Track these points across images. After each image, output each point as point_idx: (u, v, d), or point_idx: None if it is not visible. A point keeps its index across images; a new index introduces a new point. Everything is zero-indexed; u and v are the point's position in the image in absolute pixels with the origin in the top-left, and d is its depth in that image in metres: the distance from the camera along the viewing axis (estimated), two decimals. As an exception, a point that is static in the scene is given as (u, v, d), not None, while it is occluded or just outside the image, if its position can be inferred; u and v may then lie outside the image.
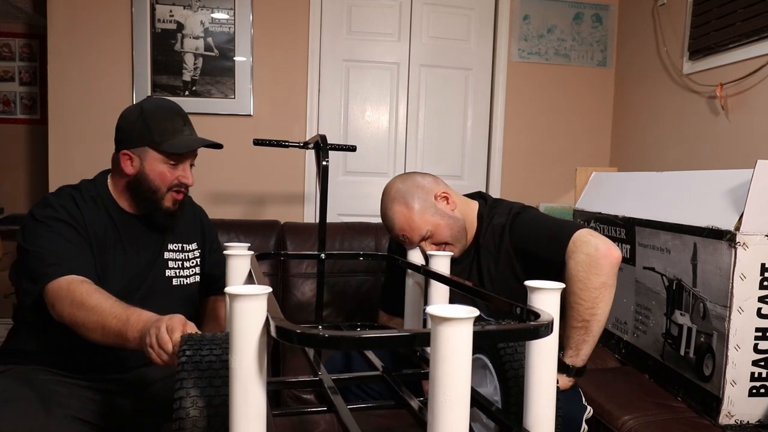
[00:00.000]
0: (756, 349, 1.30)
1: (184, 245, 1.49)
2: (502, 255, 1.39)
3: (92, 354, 1.23)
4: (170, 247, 1.46)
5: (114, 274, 1.33)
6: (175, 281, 1.45)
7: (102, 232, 1.33)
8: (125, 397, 1.33)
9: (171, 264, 1.45)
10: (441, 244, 1.38)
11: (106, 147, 2.60)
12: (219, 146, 1.44)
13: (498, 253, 1.40)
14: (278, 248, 2.14)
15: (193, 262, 1.50)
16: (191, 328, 0.99)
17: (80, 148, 2.51)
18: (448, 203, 1.41)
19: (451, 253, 1.16)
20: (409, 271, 1.25)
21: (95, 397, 1.30)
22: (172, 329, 0.96)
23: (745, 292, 1.28)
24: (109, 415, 1.30)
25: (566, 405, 1.25)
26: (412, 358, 1.38)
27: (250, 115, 2.66)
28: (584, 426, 1.28)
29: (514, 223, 1.38)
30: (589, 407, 1.31)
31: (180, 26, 2.57)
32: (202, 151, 1.43)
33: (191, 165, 1.41)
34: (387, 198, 1.40)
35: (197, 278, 1.51)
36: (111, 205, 1.37)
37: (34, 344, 1.30)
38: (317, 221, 1.47)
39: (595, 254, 1.19)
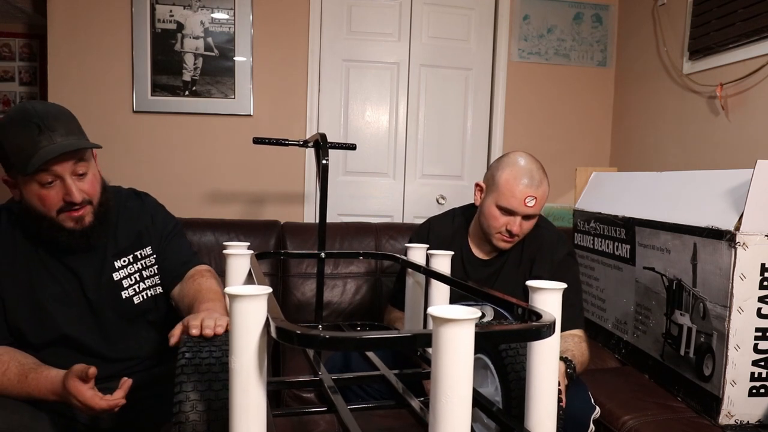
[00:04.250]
0: (756, 349, 1.30)
1: (137, 253, 1.29)
2: (546, 263, 1.52)
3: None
4: (118, 264, 1.26)
5: (55, 313, 1.20)
6: (137, 299, 1.27)
7: (22, 271, 1.17)
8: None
9: (126, 282, 1.26)
10: (515, 235, 1.46)
11: (105, 147, 2.60)
12: (97, 146, 1.17)
13: (547, 262, 1.52)
14: (278, 248, 2.12)
15: (152, 270, 1.30)
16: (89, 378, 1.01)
17: (80, 148, 2.51)
18: None
19: (452, 253, 1.16)
20: (410, 270, 1.25)
21: None
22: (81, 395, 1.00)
23: (745, 292, 1.28)
24: (103, 416, 1.27)
25: (575, 405, 1.25)
26: (413, 357, 1.37)
27: (250, 115, 2.65)
28: (591, 426, 1.28)
29: (564, 262, 1.51)
30: (597, 407, 1.31)
31: (180, 26, 2.57)
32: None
33: (80, 174, 1.14)
34: (539, 170, 1.47)
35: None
36: (20, 235, 1.19)
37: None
38: (317, 221, 1.47)
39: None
